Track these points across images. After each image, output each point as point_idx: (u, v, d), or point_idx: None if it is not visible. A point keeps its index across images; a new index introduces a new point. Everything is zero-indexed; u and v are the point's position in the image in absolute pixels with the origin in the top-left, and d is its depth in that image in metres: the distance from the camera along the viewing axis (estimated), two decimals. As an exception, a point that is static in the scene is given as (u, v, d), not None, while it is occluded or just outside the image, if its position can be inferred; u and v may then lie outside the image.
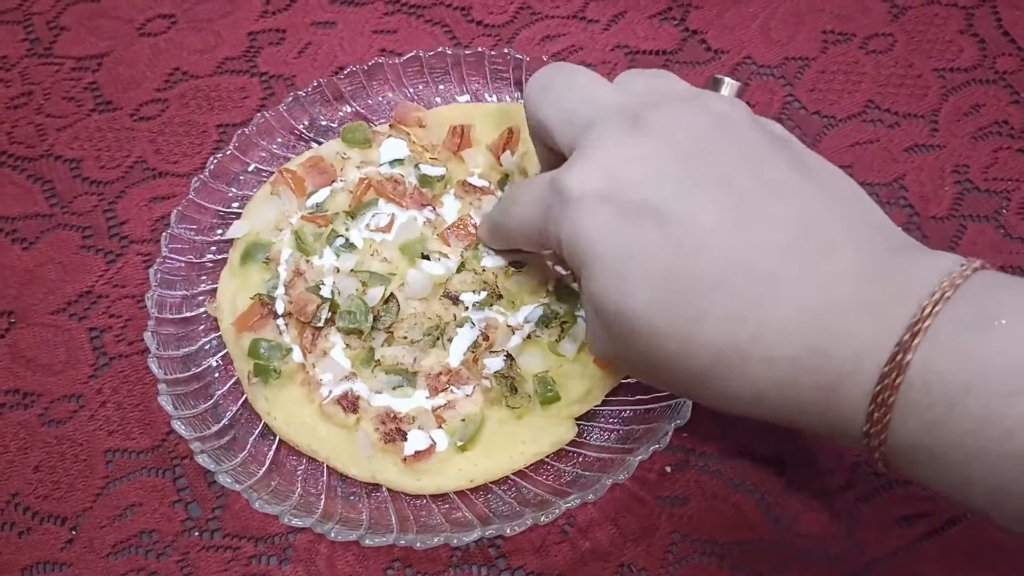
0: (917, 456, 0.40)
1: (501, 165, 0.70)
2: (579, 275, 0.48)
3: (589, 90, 0.52)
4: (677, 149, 0.46)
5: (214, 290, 0.68)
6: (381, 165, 0.71)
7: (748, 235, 0.43)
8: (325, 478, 0.61)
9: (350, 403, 0.61)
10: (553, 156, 0.56)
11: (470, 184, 0.70)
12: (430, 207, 0.69)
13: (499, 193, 0.70)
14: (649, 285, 0.43)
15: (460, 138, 0.71)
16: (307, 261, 0.66)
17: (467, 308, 0.64)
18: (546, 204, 0.49)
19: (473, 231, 0.67)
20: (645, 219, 0.44)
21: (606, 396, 0.63)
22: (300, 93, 0.74)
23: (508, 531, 0.55)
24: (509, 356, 0.62)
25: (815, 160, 0.48)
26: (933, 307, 0.39)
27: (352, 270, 0.65)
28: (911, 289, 0.40)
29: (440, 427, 0.61)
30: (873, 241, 0.43)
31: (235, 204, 0.71)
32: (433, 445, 0.60)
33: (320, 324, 0.63)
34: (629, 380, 0.64)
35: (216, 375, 0.65)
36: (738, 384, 0.43)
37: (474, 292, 0.65)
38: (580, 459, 0.61)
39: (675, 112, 0.47)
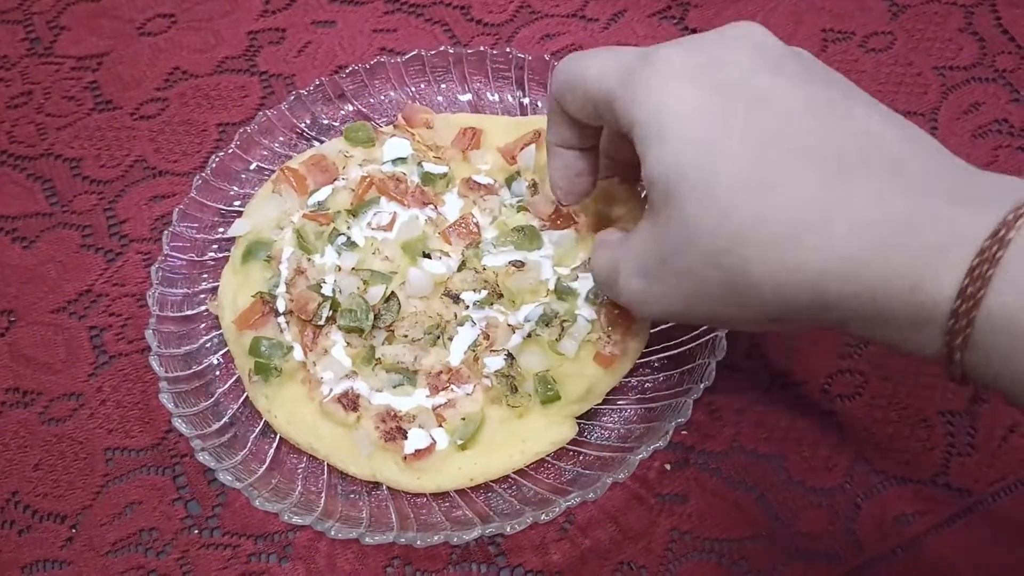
0: (1006, 345, 0.38)
1: (515, 163, 0.70)
2: (648, 144, 0.45)
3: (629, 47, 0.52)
4: (767, 49, 0.46)
5: (215, 288, 0.68)
6: (384, 163, 0.71)
7: (842, 120, 0.43)
8: (325, 476, 0.61)
9: (350, 401, 0.61)
10: (575, 133, 0.55)
11: (475, 181, 0.70)
12: (432, 206, 0.69)
13: (504, 191, 0.70)
14: (737, 151, 0.43)
15: (471, 139, 0.71)
16: (308, 259, 0.66)
17: (468, 307, 0.64)
18: (628, 68, 0.47)
19: (475, 230, 0.67)
20: (737, 96, 0.44)
21: (606, 395, 0.63)
22: (302, 92, 0.74)
23: (508, 529, 0.55)
24: (509, 355, 0.62)
25: None
26: None
27: (353, 268, 0.65)
28: (1006, 186, 0.40)
29: (440, 426, 0.61)
30: (951, 156, 0.43)
31: (236, 202, 0.71)
32: (433, 444, 0.60)
33: (321, 322, 0.63)
34: (630, 379, 0.64)
35: (217, 373, 0.65)
36: (812, 253, 0.41)
37: (475, 291, 0.65)
38: (580, 458, 0.61)
39: (762, 28, 0.48)
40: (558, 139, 0.57)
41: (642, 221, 0.49)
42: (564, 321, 0.63)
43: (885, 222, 0.40)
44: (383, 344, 0.63)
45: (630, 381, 0.64)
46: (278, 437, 0.63)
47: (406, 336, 0.63)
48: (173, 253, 0.67)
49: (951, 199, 0.40)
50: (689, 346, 0.62)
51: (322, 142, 0.74)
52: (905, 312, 0.40)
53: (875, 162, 0.42)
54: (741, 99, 0.44)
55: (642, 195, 0.64)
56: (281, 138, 0.74)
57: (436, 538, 0.55)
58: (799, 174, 0.42)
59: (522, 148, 0.70)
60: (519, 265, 0.65)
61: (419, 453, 0.59)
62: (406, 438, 0.60)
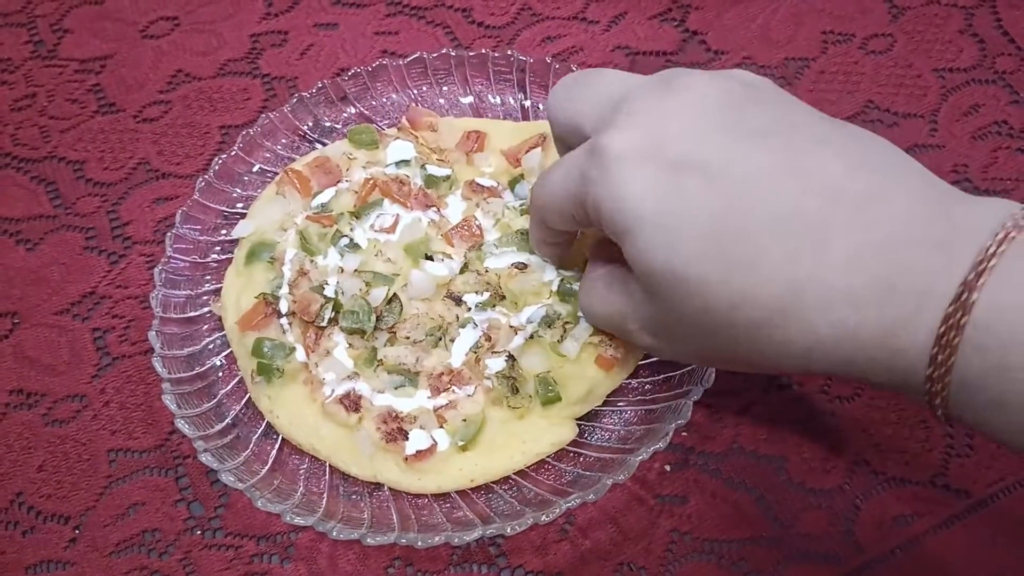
0: (981, 402, 0.39)
1: (519, 166, 0.70)
2: (621, 240, 0.46)
3: (618, 76, 0.51)
4: (712, 106, 0.45)
5: (218, 290, 0.68)
6: (387, 166, 0.71)
7: (798, 179, 0.42)
8: (327, 477, 0.61)
9: (352, 402, 0.61)
10: (560, 234, 0.58)
11: (478, 184, 0.70)
12: (435, 208, 0.69)
13: (508, 194, 0.70)
14: (699, 236, 0.43)
15: (475, 142, 0.72)
16: (311, 261, 0.66)
17: (470, 309, 0.65)
18: (581, 172, 0.48)
19: (478, 232, 0.67)
20: (688, 172, 0.43)
21: (607, 397, 0.63)
22: (304, 94, 0.74)
23: (508, 530, 0.55)
24: (511, 356, 0.62)
25: (844, 122, 0.47)
26: (997, 247, 0.38)
27: (356, 270, 0.66)
28: (973, 229, 0.39)
29: (441, 427, 0.61)
30: (924, 186, 0.43)
31: (239, 204, 0.71)
32: (434, 445, 0.60)
33: (323, 324, 0.64)
34: (630, 381, 0.64)
35: (220, 374, 0.66)
36: (795, 332, 0.42)
37: (477, 293, 0.65)
38: (581, 459, 0.61)
39: (705, 77, 0.47)
40: (542, 243, 0.62)
41: (638, 288, 0.49)
42: (566, 323, 0.63)
43: (861, 290, 0.40)
44: (385, 345, 0.64)
45: (630, 383, 0.64)
46: (280, 438, 0.63)
47: (408, 338, 0.63)
48: (176, 255, 0.68)
49: (921, 248, 0.40)
50: (689, 348, 0.62)
51: (324, 144, 0.74)
52: (888, 376, 0.42)
53: (840, 221, 0.41)
54: (693, 177, 0.43)
55: None
56: (284, 140, 0.74)
57: (437, 539, 0.55)
58: (766, 253, 0.42)
59: (527, 151, 0.70)
60: (521, 267, 0.65)
61: (420, 454, 0.60)
62: (407, 439, 0.60)
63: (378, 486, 0.61)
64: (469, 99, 0.76)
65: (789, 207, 0.42)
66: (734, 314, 0.43)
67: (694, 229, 0.43)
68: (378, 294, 0.64)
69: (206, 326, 0.67)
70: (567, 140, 0.54)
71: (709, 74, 0.47)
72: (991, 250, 0.38)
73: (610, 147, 0.45)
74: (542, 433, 0.61)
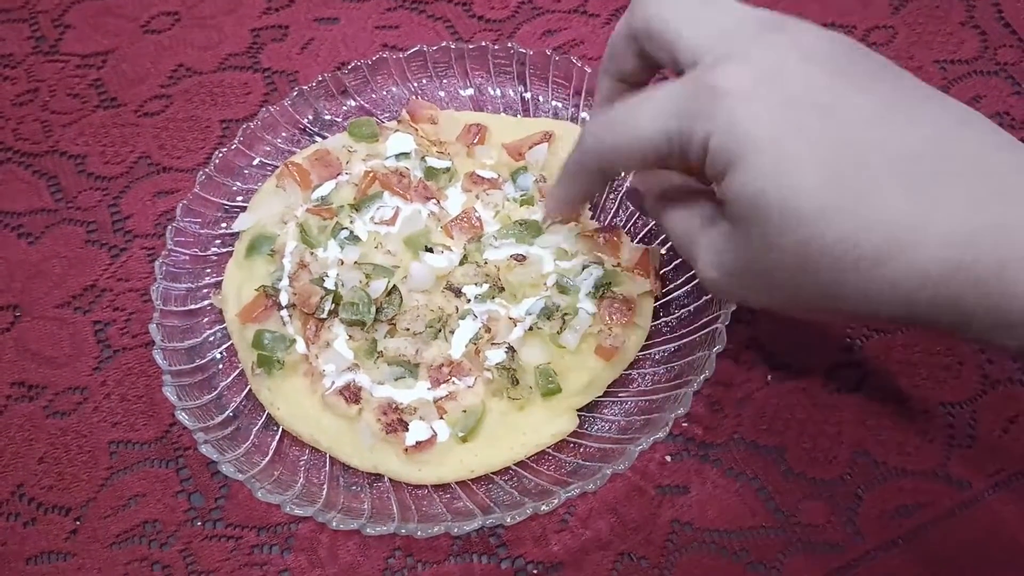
0: None
1: (521, 159, 0.70)
2: (726, 173, 0.44)
3: (731, 6, 0.49)
4: (825, 50, 0.45)
5: (219, 283, 0.68)
6: (387, 158, 0.71)
7: (913, 124, 0.42)
8: (327, 468, 0.61)
9: (352, 394, 0.61)
10: (624, 85, 0.54)
11: (479, 176, 0.70)
12: (434, 200, 0.69)
13: (508, 186, 0.70)
14: (817, 167, 0.42)
15: (476, 135, 0.72)
16: (312, 253, 0.66)
17: (469, 300, 0.65)
18: (682, 108, 0.46)
19: (477, 224, 0.67)
20: (806, 109, 0.43)
21: (607, 387, 0.63)
22: (304, 88, 0.74)
23: (509, 520, 0.55)
24: (511, 348, 0.62)
25: None
26: None
27: (356, 262, 0.66)
28: None
29: (441, 418, 0.61)
30: (1014, 143, 0.44)
31: (239, 198, 0.71)
32: (434, 436, 0.60)
33: (324, 316, 0.64)
34: (631, 372, 0.64)
35: (220, 367, 0.66)
36: (906, 270, 0.41)
37: (476, 285, 0.65)
38: (581, 450, 0.61)
39: (815, 26, 0.47)
40: (566, 203, 0.59)
41: (723, 222, 0.48)
42: (565, 314, 0.63)
43: (975, 232, 0.40)
44: (385, 337, 0.64)
45: (631, 373, 0.64)
46: (280, 430, 0.63)
47: (408, 329, 0.63)
48: (177, 248, 0.68)
49: None
50: (690, 338, 0.62)
51: (324, 138, 0.74)
52: (994, 316, 0.41)
53: (955, 166, 0.41)
54: (811, 113, 0.43)
55: None
56: (284, 134, 0.74)
57: (437, 529, 0.55)
58: (881, 190, 0.41)
59: (531, 147, 0.70)
60: (520, 259, 0.65)
61: (420, 445, 0.60)
62: (407, 430, 0.60)
63: (378, 477, 0.61)
64: (469, 92, 0.76)
65: (908, 147, 0.42)
66: (845, 249, 0.42)
67: (813, 160, 0.42)
68: (378, 286, 0.64)
69: (207, 319, 0.67)
70: (647, 45, 0.51)
71: (815, 27, 0.47)
72: None
73: (725, 82, 0.44)
74: (542, 424, 0.61)
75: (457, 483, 0.60)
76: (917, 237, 0.41)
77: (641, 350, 0.64)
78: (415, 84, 0.76)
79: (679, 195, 0.52)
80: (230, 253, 0.69)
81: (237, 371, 0.65)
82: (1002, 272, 0.40)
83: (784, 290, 0.46)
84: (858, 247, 0.41)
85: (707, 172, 0.46)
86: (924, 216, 0.41)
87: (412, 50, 0.75)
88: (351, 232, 0.67)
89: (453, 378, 0.62)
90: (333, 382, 0.62)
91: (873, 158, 0.42)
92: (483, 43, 0.75)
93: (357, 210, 0.69)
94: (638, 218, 0.70)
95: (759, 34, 0.46)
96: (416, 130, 0.73)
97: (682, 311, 0.65)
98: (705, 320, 0.62)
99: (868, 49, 0.47)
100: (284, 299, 0.65)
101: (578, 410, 0.62)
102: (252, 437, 0.62)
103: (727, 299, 0.51)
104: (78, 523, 0.62)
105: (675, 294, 0.66)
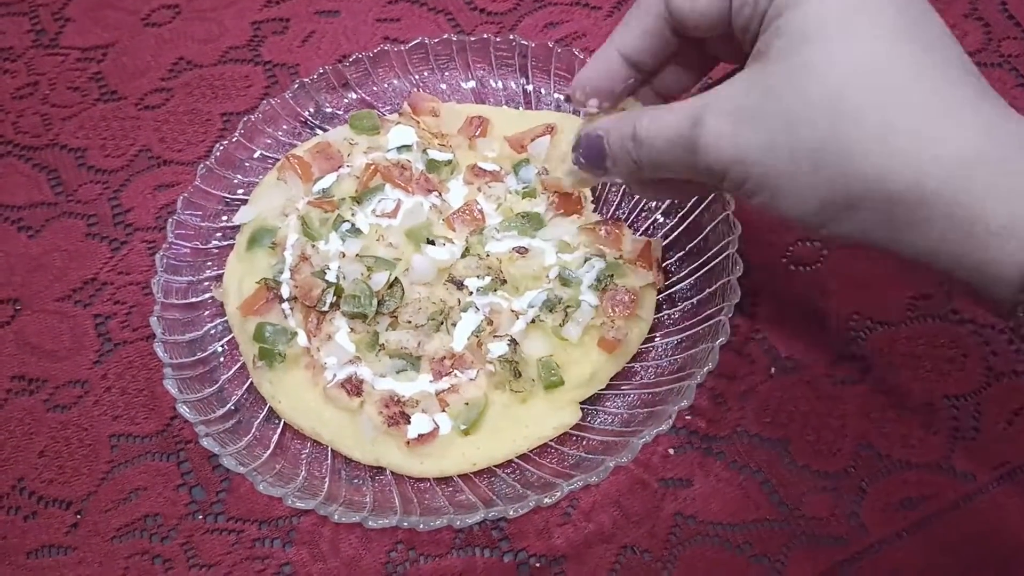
0: None
1: (524, 152, 0.70)
2: (786, 9, 0.44)
3: None
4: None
5: (220, 276, 0.68)
6: (388, 151, 0.71)
7: (950, 42, 0.44)
8: (329, 461, 0.61)
9: (354, 387, 0.61)
10: (651, 49, 0.52)
11: (480, 168, 0.70)
12: (436, 193, 0.69)
13: (510, 178, 0.70)
14: (880, 19, 0.43)
15: (478, 127, 0.72)
16: (313, 246, 0.66)
17: (471, 293, 0.64)
18: None
19: (479, 216, 0.67)
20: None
21: (610, 380, 0.63)
22: (305, 80, 0.74)
23: (511, 513, 0.55)
24: (513, 340, 0.62)
25: None
26: None
27: (357, 255, 0.65)
28: None
29: (443, 411, 0.61)
30: None
31: (240, 191, 0.71)
32: (436, 428, 0.60)
33: (325, 308, 0.63)
34: (633, 364, 0.64)
35: (221, 360, 0.65)
36: (931, 145, 0.41)
37: (478, 277, 0.65)
38: (583, 442, 0.61)
39: None
40: (625, 46, 0.53)
41: (741, 72, 0.46)
42: (568, 306, 0.63)
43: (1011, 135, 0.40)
44: (387, 330, 0.63)
45: (633, 366, 0.64)
46: (282, 423, 0.63)
47: (409, 322, 0.63)
48: (177, 241, 0.67)
49: None
50: (693, 330, 0.62)
51: (326, 130, 0.74)
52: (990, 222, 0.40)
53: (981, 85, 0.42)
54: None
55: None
56: (285, 127, 0.74)
57: (439, 522, 0.55)
58: (935, 81, 0.41)
59: (533, 139, 0.70)
60: (522, 251, 0.65)
61: (422, 438, 0.60)
62: (409, 423, 0.60)
63: (380, 470, 0.61)
64: (471, 84, 0.76)
65: (949, 51, 0.43)
66: (882, 117, 0.41)
67: (876, 17, 0.43)
68: (380, 278, 0.64)
69: (208, 312, 0.67)
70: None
71: None
72: None
73: None
74: (545, 417, 0.61)
75: (459, 476, 0.60)
76: (954, 118, 0.41)
77: (644, 342, 0.64)
78: (416, 76, 0.76)
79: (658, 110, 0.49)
80: (231, 246, 0.69)
81: (238, 364, 0.65)
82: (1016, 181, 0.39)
83: (797, 131, 0.43)
84: (889, 124, 0.41)
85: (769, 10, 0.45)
86: (964, 103, 0.41)
87: (413, 42, 0.75)
88: (352, 225, 0.67)
89: (455, 371, 0.62)
90: (335, 375, 0.62)
91: (923, 42, 0.42)
92: (485, 35, 0.74)
93: (359, 203, 0.68)
94: (640, 211, 0.70)
95: None
96: (418, 123, 0.73)
97: (685, 303, 0.65)
98: (708, 312, 0.61)
99: None
100: (285, 292, 0.65)
101: (581, 403, 0.62)
102: (253, 430, 0.62)
103: (721, 156, 0.46)
104: (79, 517, 0.62)
105: (678, 287, 0.66)
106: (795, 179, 0.44)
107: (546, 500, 0.55)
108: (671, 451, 0.62)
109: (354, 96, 0.76)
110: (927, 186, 0.40)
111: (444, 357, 0.63)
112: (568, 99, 0.55)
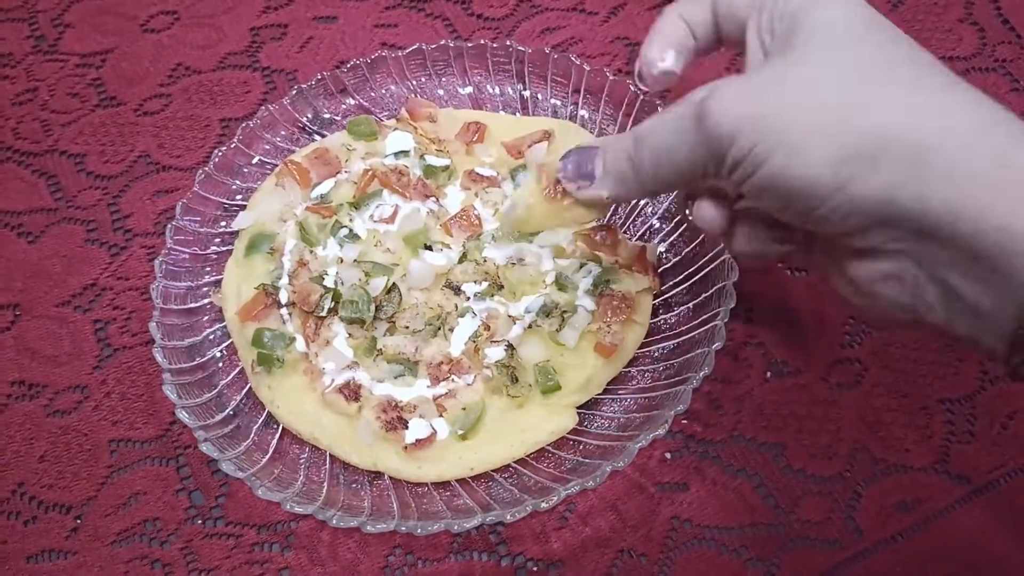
0: None
1: (521, 157, 0.70)
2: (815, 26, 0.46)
3: None
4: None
5: (218, 281, 0.68)
6: (386, 157, 0.71)
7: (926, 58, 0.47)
8: (327, 466, 0.62)
9: (352, 392, 0.62)
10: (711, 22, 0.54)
11: (478, 173, 0.70)
12: (433, 198, 0.69)
13: (508, 184, 0.70)
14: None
15: (475, 133, 0.72)
16: (311, 251, 0.67)
17: (468, 298, 0.65)
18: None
19: (476, 222, 0.67)
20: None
21: (607, 385, 0.63)
22: (303, 86, 0.74)
23: (508, 517, 0.55)
24: (510, 346, 0.62)
25: None
26: None
27: (355, 260, 0.66)
28: None
29: (441, 416, 0.61)
30: None
31: (239, 196, 0.72)
32: (434, 433, 0.60)
33: (323, 314, 0.64)
34: (630, 369, 0.64)
35: (220, 365, 0.66)
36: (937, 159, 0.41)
37: (475, 282, 0.65)
38: (580, 447, 0.61)
39: None
40: (685, 12, 0.55)
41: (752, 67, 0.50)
42: (564, 311, 0.63)
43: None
44: (384, 335, 0.64)
45: (630, 371, 0.64)
46: (281, 427, 0.63)
47: (407, 327, 0.63)
48: (176, 247, 0.68)
49: None
50: (689, 335, 0.62)
51: (323, 136, 0.75)
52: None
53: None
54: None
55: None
56: (283, 132, 0.74)
57: (437, 527, 0.55)
58: (927, 74, 0.45)
59: (530, 145, 0.70)
60: (519, 262, 0.65)
61: (420, 443, 0.60)
62: (407, 428, 0.60)
63: (378, 475, 0.61)
64: (468, 90, 0.76)
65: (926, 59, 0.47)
66: (884, 102, 0.43)
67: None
68: (377, 284, 0.64)
69: (206, 317, 0.67)
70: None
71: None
72: None
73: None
74: (542, 422, 0.61)
75: (457, 481, 0.60)
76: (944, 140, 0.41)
77: (640, 347, 0.64)
78: (414, 82, 0.76)
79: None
80: (230, 251, 0.69)
81: (237, 369, 0.66)
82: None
83: (821, 89, 0.44)
84: (918, 81, 0.44)
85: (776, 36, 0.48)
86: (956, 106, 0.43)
87: (411, 48, 0.75)
88: (350, 230, 0.68)
89: (452, 376, 0.62)
90: (333, 380, 0.62)
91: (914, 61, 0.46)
92: (482, 41, 0.75)
93: (356, 208, 0.69)
94: (636, 216, 0.70)
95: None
96: (415, 128, 0.73)
97: (681, 308, 0.65)
98: (704, 317, 0.62)
99: None
100: (284, 297, 0.65)
101: (577, 407, 0.62)
102: (252, 435, 0.62)
103: (726, 111, 0.44)
104: (79, 521, 0.62)
105: (674, 291, 0.66)
106: (815, 132, 0.42)
107: (543, 504, 0.55)
108: (667, 455, 0.62)
109: (352, 102, 0.76)
110: (955, 135, 0.41)
111: (441, 362, 0.63)
112: (639, 75, 0.55)
